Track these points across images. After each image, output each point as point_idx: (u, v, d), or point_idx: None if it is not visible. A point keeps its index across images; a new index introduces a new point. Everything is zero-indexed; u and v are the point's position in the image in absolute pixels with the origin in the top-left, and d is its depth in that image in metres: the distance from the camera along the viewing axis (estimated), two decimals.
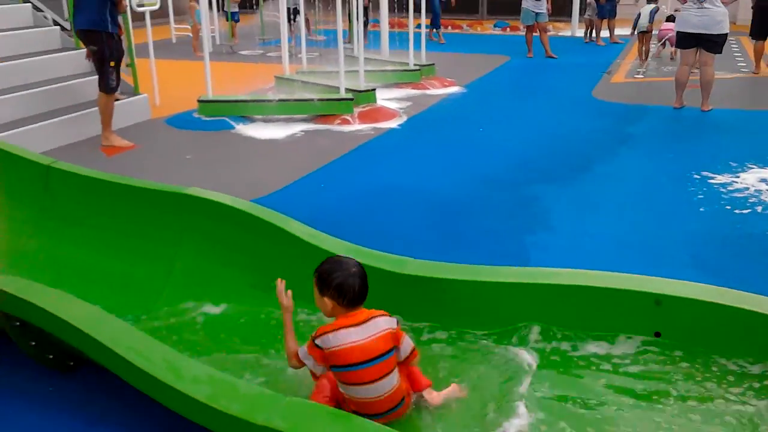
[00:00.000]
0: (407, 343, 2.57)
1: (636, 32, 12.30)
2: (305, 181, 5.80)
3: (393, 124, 7.73)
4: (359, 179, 5.87)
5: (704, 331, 2.98)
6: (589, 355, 3.00)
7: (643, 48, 12.31)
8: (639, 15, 12.44)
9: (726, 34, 7.98)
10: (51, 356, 3.02)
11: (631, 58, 12.53)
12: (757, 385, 2.73)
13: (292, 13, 12.53)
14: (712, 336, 2.96)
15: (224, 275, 3.65)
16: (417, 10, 10.66)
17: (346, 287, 2.49)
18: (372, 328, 2.48)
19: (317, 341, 2.46)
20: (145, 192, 3.85)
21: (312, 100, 7.83)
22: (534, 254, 4.35)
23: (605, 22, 14.41)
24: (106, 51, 6.35)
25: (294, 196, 5.42)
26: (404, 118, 7.98)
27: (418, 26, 11.30)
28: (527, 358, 2.92)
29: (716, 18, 7.80)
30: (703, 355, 2.94)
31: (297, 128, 7.51)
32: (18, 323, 2.94)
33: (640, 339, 3.03)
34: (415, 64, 10.09)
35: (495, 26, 17.14)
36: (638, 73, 11.19)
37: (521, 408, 2.56)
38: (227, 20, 13.93)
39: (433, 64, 10.40)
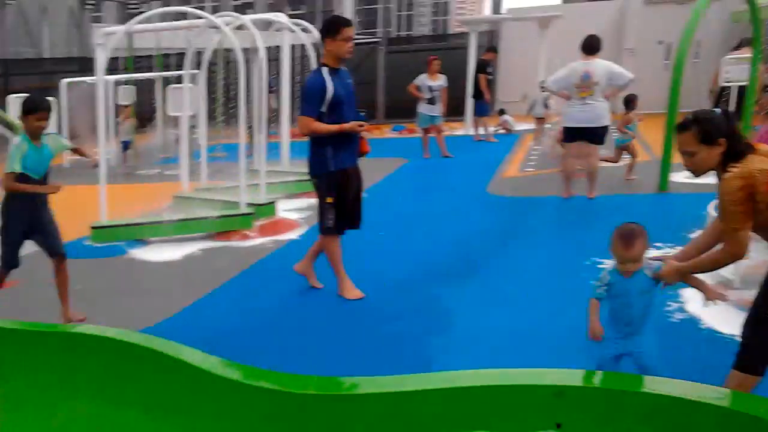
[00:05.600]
0: None
1: (534, 117, 13.80)
2: (201, 304, 5.66)
3: (293, 235, 7.75)
4: (257, 296, 5.79)
5: (606, 419, 3.03)
6: None
7: (537, 131, 13.70)
8: (534, 102, 13.77)
9: (607, 126, 8.52)
10: None
11: (521, 154, 13.13)
12: None
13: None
14: (615, 424, 3.01)
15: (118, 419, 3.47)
16: None
17: None
18: None
19: None
20: (26, 335, 3.66)
21: (210, 217, 7.78)
22: (437, 357, 4.36)
23: (484, 119, 15.04)
24: None
25: (189, 321, 5.27)
26: (305, 228, 8.01)
27: None
28: None
29: (598, 112, 8.31)
30: None
31: (195, 247, 7.40)
32: None
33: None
34: None
35: (393, 129, 17.71)
36: (531, 162, 11.76)
37: None
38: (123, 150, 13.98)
39: None
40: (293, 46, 11.45)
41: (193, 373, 3.30)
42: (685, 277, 3.36)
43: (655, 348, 3.54)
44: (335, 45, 5.23)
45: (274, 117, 13.56)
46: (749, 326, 3.25)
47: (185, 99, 8.76)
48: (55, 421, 3.49)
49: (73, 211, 9.12)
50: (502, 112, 17.08)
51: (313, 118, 5.22)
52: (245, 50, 9.11)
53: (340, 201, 5.40)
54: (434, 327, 4.89)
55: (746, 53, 9.57)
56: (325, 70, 5.26)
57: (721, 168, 3.15)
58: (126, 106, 14.11)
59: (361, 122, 5.36)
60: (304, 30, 10.95)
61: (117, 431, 3.41)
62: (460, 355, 4.34)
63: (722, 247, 3.20)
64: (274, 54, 11.29)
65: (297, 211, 8.95)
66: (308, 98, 5.29)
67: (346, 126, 5.25)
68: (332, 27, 5.25)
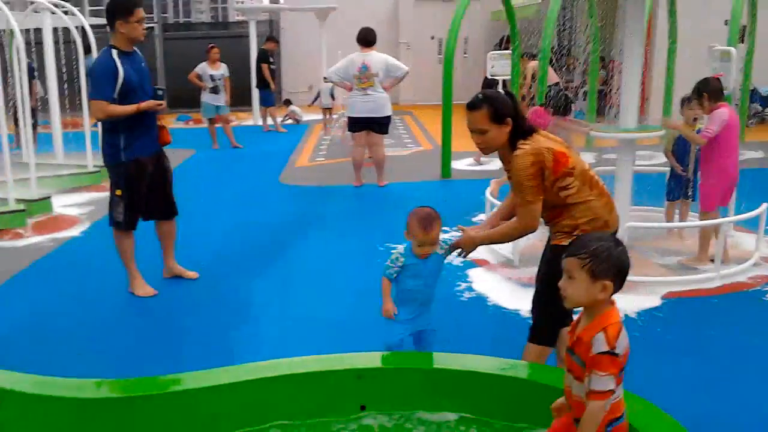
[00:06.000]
0: None
1: (321, 108, 14.08)
2: None
3: (74, 232, 7.19)
4: (39, 299, 5.31)
5: (409, 397, 3.16)
6: None
7: (326, 121, 13.94)
8: (319, 93, 14.14)
9: (390, 116, 8.87)
10: None
11: (311, 143, 13.25)
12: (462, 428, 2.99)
13: None
14: (417, 401, 3.15)
15: None
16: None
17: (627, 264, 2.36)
18: None
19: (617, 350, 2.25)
20: None
21: None
22: (240, 349, 4.28)
23: (271, 110, 15.01)
24: None
25: None
26: (87, 224, 7.48)
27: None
28: None
29: (380, 102, 8.66)
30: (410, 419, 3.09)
31: None
32: None
33: (349, 414, 3.12)
34: (95, 166, 9.59)
35: (178, 119, 17.04)
36: (321, 152, 11.90)
37: None
38: None
39: None
40: (58, 30, 10.62)
41: None
42: (478, 246, 3.50)
43: (443, 326, 3.72)
44: (128, 27, 4.90)
45: (40, 106, 12.52)
46: (536, 307, 3.50)
47: None
48: None
49: None
50: (288, 102, 17.11)
51: (107, 101, 4.88)
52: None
53: (134, 194, 5.10)
54: (235, 320, 4.80)
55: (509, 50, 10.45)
56: (114, 53, 4.92)
57: (509, 146, 3.30)
58: None
59: (159, 101, 5.04)
60: (66, 12, 10.14)
61: None
62: (263, 347, 4.30)
63: (515, 220, 3.35)
64: (38, 38, 10.39)
65: (77, 206, 8.30)
66: (97, 81, 4.93)
67: (143, 105, 4.93)
68: (124, 8, 4.89)
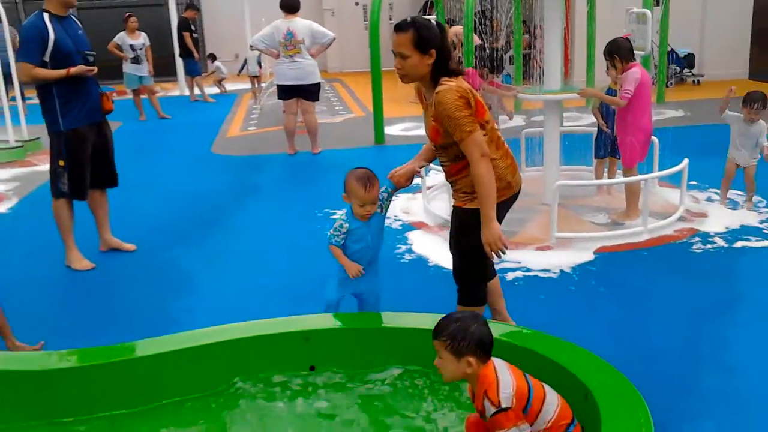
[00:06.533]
0: None
1: (248, 76, 13.98)
2: None
3: (1, 208, 6.97)
4: None
5: (355, 356, 3.25)
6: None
7: (255, 90, 13.92)
8: (245, 61, 13.92)
9: (319, 83, 8.84)
10: None
11: (241, 113, 13.08)
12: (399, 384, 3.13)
13: None
14: (364, 360, 3.24)
15: None
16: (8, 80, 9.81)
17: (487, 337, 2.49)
18: None
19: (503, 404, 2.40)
20: None
21: None
22: (183, 318, 4.27)
23: (197, 79, 14.72)
24: None
25: None
26: (14, 201, 7.25)
27: (12, 98, 10.42)
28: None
29: (307, 69, 8.61)
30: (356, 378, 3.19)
31: None
32: None
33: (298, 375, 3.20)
34: (16, 140, 9.26)
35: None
36: (252, 121, 11.78)
37: None
38: None
39: (39, 138, 9.63)
40: None
41: None
42: (496, 226, 3.23)
43: (385, 287, 3.79)
44: None
45: None
46: (456, 274, 3.55)
47: None
48: None
49: None
50: (212, 57, 16.55)
51: (34, 64, 4.72)
52: None
53: (77, 163, 4.97)
54: (175, 290, 4.77)
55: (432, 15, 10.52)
56: (46, 16, 4.77)
57: (430, 81, 3.21)
58: None
59: (90, 67, 4.87)
60: None
61: None
62: (205, 316, 4.28)
63: (472, 168, 3.18)
64: None
65: (1, 183, 8.04)
66: (25, 43, 4.80)
67: (73, 70, 4.77)
68: None
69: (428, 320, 3.30)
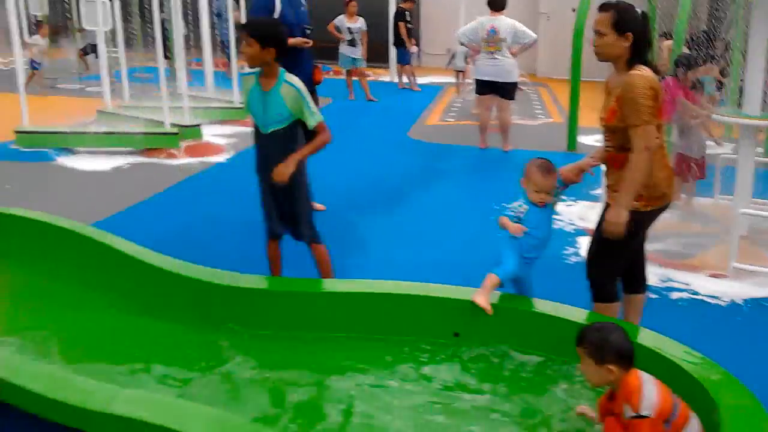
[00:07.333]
0: None
1: (454, 70, 13.97)
2: (134, 210, 5.84)
3: (220, 158, 7.92)
4: (188, 209, 5.99)
5: (497, 331, 3.47)
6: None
7: (459, 84, 14.03)
8: (453, 55, 13.94)
9: (516, 83, 8.96)
10: None
11: (443, 104, 13.53)
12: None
13: (90, 49, 12.26)
14: (505, 335, 3.46)
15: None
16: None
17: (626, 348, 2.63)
18: None
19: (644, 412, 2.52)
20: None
21: (137, 133, 7.83)
22: (351, 274, 4.69)
23: (407, 67, 15.22)
24: None
25: (122, 223, 5.45)
26: (231, 153, 8.19)
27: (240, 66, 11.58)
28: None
29: (506, 68, 8.73)
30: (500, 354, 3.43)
31: (123, 161, 7.50)
32: None
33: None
34: (240, 102, 10.32)
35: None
36: (451, 113, 12.18)
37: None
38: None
39: None
40: None
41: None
42: (625, 213, 3.31)
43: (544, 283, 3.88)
44: None
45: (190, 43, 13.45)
46: (589, 266, 3.61)
47: (99, 13, 8.59)
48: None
49: None
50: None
51: None
52: None
53: None
54: (351, 248, 5.24)
55: None
56: None
57: (624, 65, 3.29)
58: (42, 23, 13.54)
59: (306, 40, 5.25)
60: None
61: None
62: (375, 275, 4.66)
63: (632, 156, 3.24)
64: None
65: (223, 137, 9.08)
66: (254, 13, 5.31)
67: (292, 40, 5.13)
68: None
69: (573, 312, 3.42)
